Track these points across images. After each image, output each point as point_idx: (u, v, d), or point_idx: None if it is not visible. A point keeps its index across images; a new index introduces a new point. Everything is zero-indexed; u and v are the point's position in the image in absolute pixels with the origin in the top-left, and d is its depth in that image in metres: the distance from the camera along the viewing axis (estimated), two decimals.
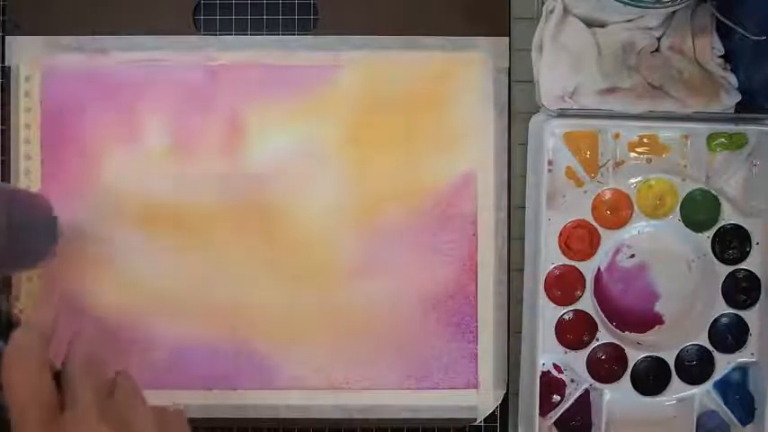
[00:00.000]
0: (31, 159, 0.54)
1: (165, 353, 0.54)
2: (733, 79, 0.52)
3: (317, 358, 0.54)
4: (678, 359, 0.52)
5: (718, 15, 0.50)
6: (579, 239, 0.52)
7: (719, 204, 0.52)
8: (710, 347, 0.52)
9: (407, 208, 0.54)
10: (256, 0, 0.55)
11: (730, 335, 0.53)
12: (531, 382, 0.52)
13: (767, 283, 0.52)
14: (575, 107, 0.52)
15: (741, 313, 0.52)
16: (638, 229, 0.53)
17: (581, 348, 0.52)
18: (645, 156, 0.54)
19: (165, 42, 0.54)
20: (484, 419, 0.55)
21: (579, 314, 0.52)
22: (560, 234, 0.52)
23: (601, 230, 0.52)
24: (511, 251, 0.55)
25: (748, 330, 0.52)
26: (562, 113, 0.51)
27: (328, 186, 0.54)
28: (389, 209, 0.54)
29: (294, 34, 0.55)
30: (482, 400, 0.55)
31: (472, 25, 0.54)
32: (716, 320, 0.53)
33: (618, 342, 0.52)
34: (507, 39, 0.54)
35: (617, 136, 0.53)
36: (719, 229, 0.52)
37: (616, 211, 0.52)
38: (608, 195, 0.52)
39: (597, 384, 0.52)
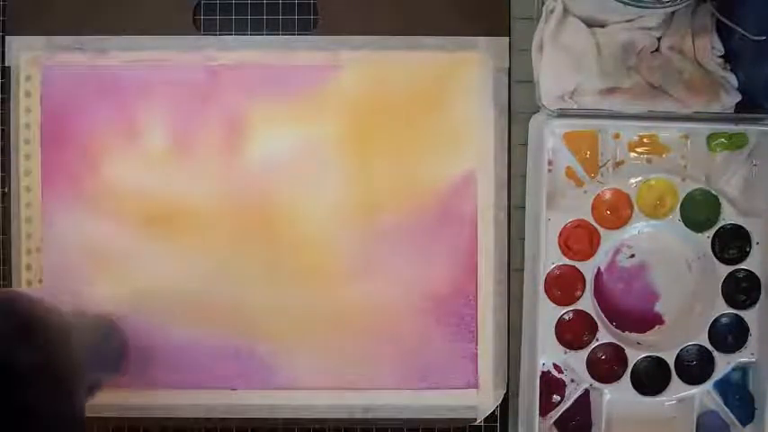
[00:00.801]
0: (30, 159, 0.54)
1: (165, 352, 0.54)
2: (733, 79, 0.52)
3: (316, 358, 0.54)
4: (678, 359, 0.52)
5: (718, 15, 0.50)
6: (579, 239, 0.52)
7: (719, 204, 0.52)
8: (710, 347, 0.52)
9: (407, 208, 0.54)
10: (256, 0, 0.55)
11: (730, 335, 0.53)
12: (531, 382, 0.52)
13: (767, 283, 0.52)
14: (575, 107, 0.52)
15: (741, 313, 0.52)
16: (638, 229, 0.53)
17: (581, 348, 0.52)
18: (645, 156, 0.54)
19: (166, 42, 0.54)
20: (484, 419, 0.55)
21: (579, 314, 0.52)
22: (560, 234, 0.52)
23: (601, 230, 0.52)
24: (511, 251, 0.55)
25: (748, 330, 0.52)
26: (562, 113, 0.51)
27: (328, 186, 0.54)
28: (389, 209, 0.54)
29: (294, 34, 0.55)
30: (482, 400, 0.55)
31: (472, 25, 0.54)
32: (716, 320, 0.53)
33: (618, 342, 0.52)
34: (507, 39, 0.54)
35: (617, 136, 0.53)
36: (719, 229, 0.52)
37: (616, 211, 0.52)
38: (608, 195, 0.52)
39: (597, 384, 0.52)
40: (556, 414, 0.53)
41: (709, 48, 0.52)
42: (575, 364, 0.52)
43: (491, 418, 0.55)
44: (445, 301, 0.54)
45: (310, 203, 0.54)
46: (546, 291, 0.52)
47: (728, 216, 0.52)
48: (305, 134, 0.54)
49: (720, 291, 0.52)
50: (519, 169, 0.55)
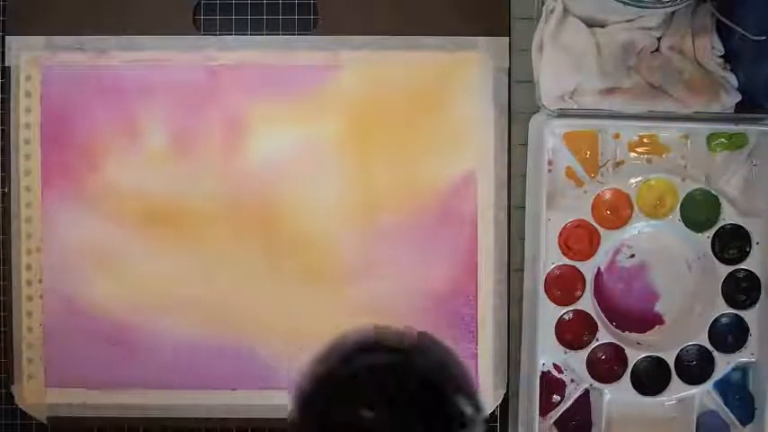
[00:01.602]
0: (30, 159, 0.54)
1: (166, 353, 0.54)
2: (733, 79, 0.52)
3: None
4: (678, 359, 0.52)
5: (719, 15, 0.50)
6: (579, 239, 0.52)
7: (719, 204, 0.52)
8: (710, 347, 0.52)
9: (407, 208, 0.54)
10: (256, 0, 0.55)
11: (730, 335, 0.53)
12: (531, 382, 0.52)
13: (767, 283, 0.52)
14: (575, 107, 0.52)
15: (741, 313, 0.52)
16: (638, 229, 0.53)
17: (581, 348, 0.52)
18: (645, 156, 0.54)
19: (166, 42, 0.54)
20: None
21: (579, 314, 0.52)
22: (560, 234, 0.52)
23: (601, 230, 0.52)
24: (511, 251, 0.55)
25: (748, 330, 0.52)
26: (562, 113, 0.51)
27: (328, 186, 0.54)
28: (389, 208, 0.54)
29: (294, 34, 0.55)
30: (482, 400, 0.54)
31: (472, 25, 0.54)
32: (716, 320, 0.53)
33: (618, 342, 0.52)
34: (507, 39, 0.54)
35: (617, 136, 0.53)
36: (719, 229, 0.52)
37: (616, 211, 0.52)
38: (608, 195, 0.52)
39: (597, 384, 0.52)
40: (556, 414, 0.53)
41: (710, 48, 0.52)
42: (575, 364, 0.52)
43: (491, 418, 0.55)
44: (445, 301, 0.54)
45: (310, 203, 0.54)
46: (546, 291, 0.52)
47: (728, 216, 0.52)
48: (305, 134, 0.54)
49: (720, 291, 0.52)
50: (519, 169, 0.55)
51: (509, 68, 0.54)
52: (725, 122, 0.52)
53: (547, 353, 0.52)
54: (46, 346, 0.54)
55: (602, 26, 0.52)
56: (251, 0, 0.55)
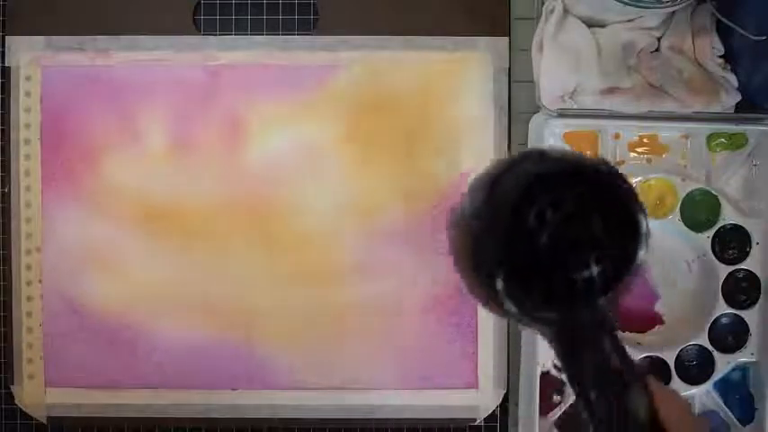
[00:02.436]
0: (30, 159, 0.54)
1: (165, 353, 0.54)
2: (733, 79, 0.52)
3: (316, 358, 0.54)
4: (678, 359, 0.52)
5: (718, 15, 0.50)
6: None
7: (719, 204, 0.52)
8: (710, 347, 0.52)
9: (407, 208, 0.54)
10: (256, 0, 0.55)
11: (730, 335, 0.53)
12: (531, 382, 0.52)
13: (767, 283, 0.52)
14: (575, 107, 0.52)
15: (741, 313, 0.52)
16: None
17: None
18: (645, 156, 0.54)
19: (166, 42, 0.54)
20: (484, 419, 0.55)
21: None
22: None
23: None
24: None
25: (748, 330, 0.52)
26: (562, 113, 0.51)
27: (328, 186, 0.54)
28: (389, 209, 0.54)
29: (294, 34, 0.55)
30: (482, 400, 0.55)
31: (472, 25, 0.54)
32: (716, 320, 0.52)
33: None
34: (507, 39, 0.54)
35: (617, 136, 0.53)
36: (719, 229, 0.52)
37: None
38: None
39: None
40: (556, 414, 0.53)
41: (710, 48, 0.52)
42: None
43: (491, 418, 0.55)
44: (445, 301, 0.54)
45: (310, 203, 0.54)
46: None
47: (728, 216, 0.52)
48: (305, 134, 0.54)
49: (720, 291, 0.52)
50: None
51: (509, 68, 0.54)
52: (725, 122, 0.52)
53: (547, 353, 0.52)
54: (46, 346, 0.54)
55: (602, 26, 0.52)
56: (251, 0, 0.55)
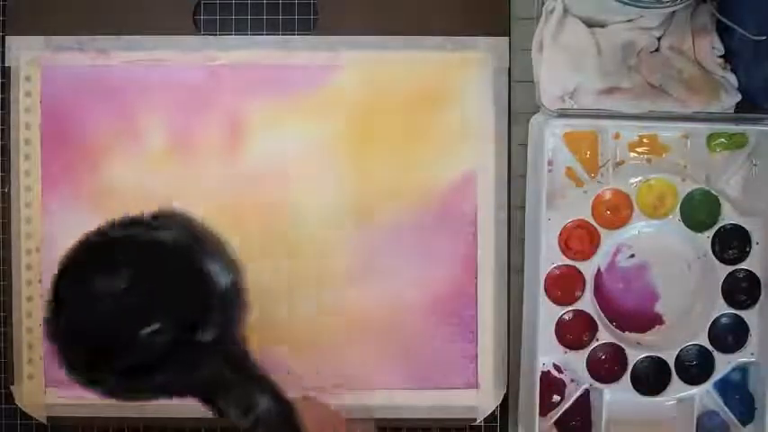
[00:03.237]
0: (30, 159, 0.54)
1: None
2: (733, 79, 0.52)
3: (316, 358, 0.54)
4: (678, 359, 0.52)
5: (718, 15, 0.50)
6: (579, 239, 0.52)
7: (719, 204, 0.52)
8: (710, 347, 0.52)
9: (407, 208, 0.54)
10: (256, 0, 0.55)
11: (730, 335, 0.53)
12: (531, 382, 0.52)
13: (767, 283, 0.52)
14: (575, 107, 0.52)
15: (741, 313, 0.52)
16: (638, 229, 0.53)
17: (581, 348, 0.52)
18: (645, 156, 0.54)
19: (165, 42, 0.54)
20: (484, 419, 0.55)
21: (579, 314, 0.52)
22: (560, 234, 0.52)
23: (601, 230, 0.52)
24: (511, 251, 0.55)
25: (748, 330, 0.52)
26: (562, 113, 0.51)
27: (328, 186, 0.54)
28: (389, 209, 0.54)
29: (294, 34, 0.55)
30: (482, 400, 0.55)
31: (472, 25, 0.54)
32: (716, 320, 0.53)
33: (618, 342, 0.52)
34: (507, 39, 0.54)
35: (617, 136, 0.53)
36: (719, 229, 0.52)
37: (616, 211, 0.52)
38: (608, 195, 0.52)
39: (597, 384, 0.52)
40: (556, 414, 0.53)
41: (710, 48, 0.52)
42: (575, 364, 0.52)
43: (491, 418, 0.55)
44: (445, 301, 0.54)
45: (310, 203, 0.54)
46: (546, 291, 0.52)
47: (728, 216, 0.52)
48: (305, 134, 0.54)
49: (720, 291, 0.52)
50: (519, 169, 0.55)
51: (509, 68, 0.54)
52: (725, 122, 0.52)
53: (547, 353, 0.52)
54: (46, 346, 0.54)
55: (602, 26, 0.52)
56: (251, 0, 0.55)
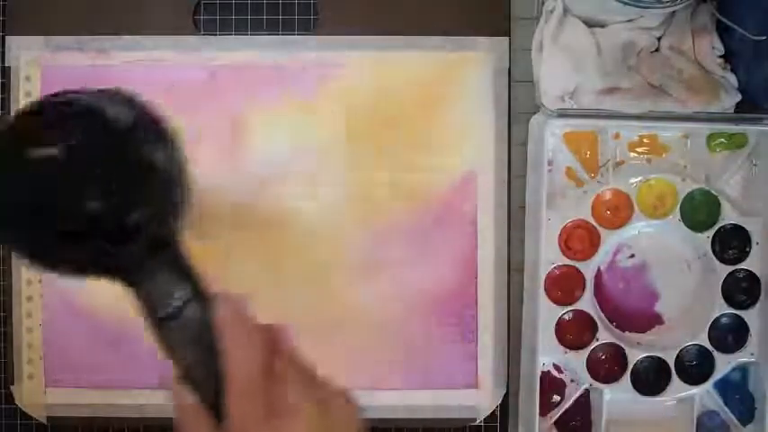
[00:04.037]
0: None
1: None
2: (733, 79, 0.52)
3: (316, 358, 0.54)
4: (678, 359, 0.52)
5: (718, 15, 0.50)
6: (579, 239, 0.52)
7: (719, 204, 0.52)
8: (710, 347, 0.52)
9: (407, 208, 0.54)
10: (256, 0, 0.55)
11: (730, 335, 0.53)
12: (531, 383, 0.52)
13: (767, 283, 0.52)
14: (575, 107, 0.52)
15: (741, 313, 0.52)
16: (638, 229, 0.53)
17: (581, 348, 0.52)
18: (645, 156, 0.54)
19: (165, 42, 0.54)
20: (484, 419, 0.55)
21: (579, 314, 0.52)
22: (560, 234, 0.52)
23: (601, 230, 0.52)
24: (511, 251, 0.55)
25: (748, 330, 0.52)
26: (562, 113, 0.51)
27: (328, 186, 0.54)
28: (389, 209, 0.54)
29: (294, 34, 0.55)
30: (482, 400, 0.55)
31: (472, 25, 0.54)
32: (716, 320, 0.53)
33: (618, 342, 0.52)
34: (507, 39, 0.54)
35: (617, 136, 0.53)
36: (719, 229, 0.52)
37: (616, 211, 0.52)
38: (608, 195, 0.52)
39: (597, 384, 0.52)
40: (556, 414, 0.53)
41: (710, 48, 0.52)
42: (575, 364, 0.52)
43: (491, 418, 0.55)
44: (445, 301, 0.54)
45: (310, 203, 0.54)
46: (546, 291, 0.52)
47: (728, 216, 0.52)
48: (305, 134, 0.54)
49: (720, 291, 0.52)
50: (519, 169, 0.55)
51: (509, 68, 0.54)
52: (725, 122, 0.52)
53: (547, 353, 0.52)
54: (46, 346, 0.54)
55: (602, 26, 0.52)
56: (251, 0, 0.55)
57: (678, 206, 0.52)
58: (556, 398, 0.53)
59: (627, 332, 0.54)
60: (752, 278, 0.52)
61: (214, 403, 0.31)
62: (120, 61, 0.54)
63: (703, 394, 0.53)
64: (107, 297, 0.54)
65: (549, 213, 0.51)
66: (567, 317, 0.52)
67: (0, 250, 0.54)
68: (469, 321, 0.54)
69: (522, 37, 0.54)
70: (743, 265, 0.52)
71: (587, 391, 0.53)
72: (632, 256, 0.54)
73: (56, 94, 0.33)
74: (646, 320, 0.54)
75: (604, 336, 0.52)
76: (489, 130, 0.54)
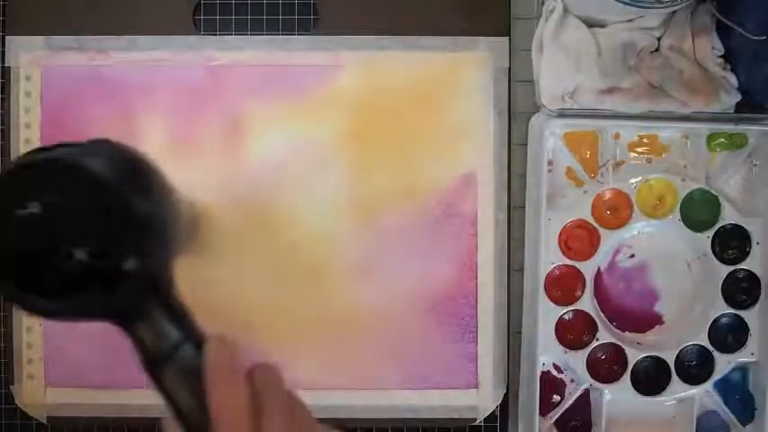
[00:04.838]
0: None
1: None
2: (733, 79, 0.52)
3: (316, 358, 0.54)
4: (678, 359, 0.52)
5: (718, 15, 0.50)
6: (579, 239, 0.52)
7: (719, 204, 0.52)
8: (710, 347, 0.52)
9: (407, 208, 0.54)
10: (256, 0, 0.55)
11: (730, 335, 0.53)
12: (531, 382, 0.52)
13: (767, 283, 0.52)
14: (575, 107, 0.52)
15: (741, 313, 0.52)
16: (638, 229, 0.53)
17: (581, 348, 0.52)
18: (645, 156, 0.54)
19: (165, 42, 0.54)
20: (484, 419, 0.55)
21: (579, 314, 0.52)
22: (560, 234, 0.52)
23: (601, 230, 0.52)
24: (511, 251, 0.55)
25: (748, 330, 0.52)
26: (562, 113, 0.51)
27: (328, 186, 0.54)
28: (389, 209, 0.54)
29: (294, 34, 0.55)
30: (482, 400, 0.55)
31: (472, 25, 0.54)
32: (716, 320, 0.53)
33: (618, 342, 0.52)
34: (507, 39, 0.54)
35: (617, 136, 0.53)
36: (719, 229, 0.52)
37: (616, 211, 0.52)
38: (608, 195, 0.52)
39: (597, 384, 0.52)
40: (556, 414, 0.53)
41: (710, 48, 0.52)
42: (575, 364, 0.52)
43: (491, 418, 0.55)
44: (445, 301, 0.54)
45: (310, 203, 0.54)
46: (546, 291, 0.52)
47: (728, 216, 0.52)
48: (305, 134, 0.54)
49: (720, 291, 0.52)
50: (519, 169, 0.55)
51: (509, 68, 0.54)
52: (725, 122, 0.52)
53: (547, 353, 0.52)
54: (46, 346, 0.54)
55: (602, 26, 0.52)
56: (251, 0, 0.55)
57: (678, 206, 0.52)
58: (556, 398, 0.54)
59: (627, 332, 0.54)
60: (752, 278, 0.52)
61: None
62: (120, 61, 0.54)
63: (703, 394, 0.53)
64: None
65: (549, 213, 0.52)
66: (567, 317, 0.52)
67: None
68: (469, 321, 0.54)
69: (522, 37, 0.54)
70: (743, 265, 0.52)
71: (587, 391, 0.53)
72: (632, 256, 0.54)
73: (42, 149, 0.34)
74: (646, 320, 0.54)
75: (604, 336, 0.52)
76: (489, 130, 0.54)
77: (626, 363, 0.52)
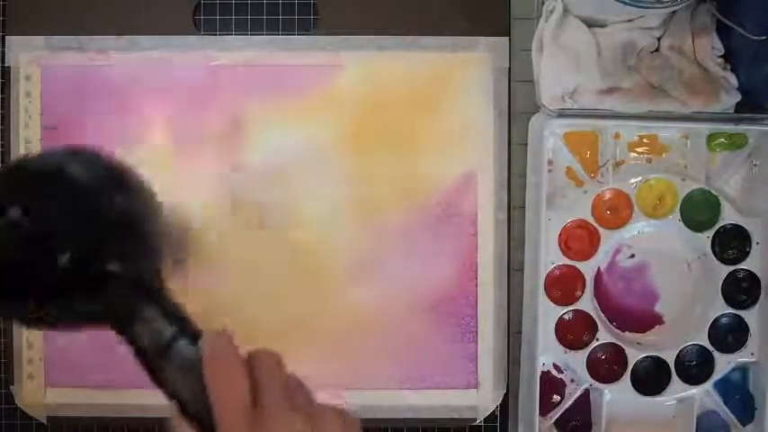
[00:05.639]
0: None
1: None
2: (733, 79, 0.52)
3: (316, 358, 0.54)
4: (678, 359, 0.52)
5: (718, 15, 0.50)
6: (579, 239, 0.52)
7: (719, 204, 0.52)
8: (710, 347, 0.52)
9: (407, 208, 0.54)
10: (256, 0, 0.55)
11: (730, 335, 0.53)
12: (531, 382, 0.52)
13: (767, 283, 0.52)
14: (575, 107, 0.52)
15: (741, 313, 0.52)
16: (638, 229, 0.53)
17: (581, 348, 0.52)
18: (645, 156, 0.54)
19: (165, 42, 0.54)
20: (484, 419, 0.55)
21: (579, 314, 0.52)
22: (560, 234, 0.52)
23: (601, 230, 0.52)
24: (511, 251, 0.55)
25: (748, 330, 0.52)
26: (562, 113, 0.51)
27: (328, 186, 0.54)
28: (389, 209, 0.54)
29: (294, 34, 0.55)
30: (482, 400, 0.55)
31: (472, 25, 0.54)
32: (716, 320, 0.53)
33: (618, 342, 0.52)
34: (507, 39, 0.54)
35: (617, 136, 0.53)
36: (719, 229, 0.52)
37: (616, 211, 0.52)
38: (608, 195, 0.52)
39: (597, 384, 0.52)
40: (556, 414, 0.53)
41: (710, 48, 0.52)
42: (575, 364, 0.52)
43: (491, 418, 0.55)
44: (445, 301, 0.54)
45: (310, 203, 0.54)
46: (546, 291, 0.52)
47: (728, 216, 0.52)
48: (305, 134, 0.54)
49: (720, 291, 0.52)
50: (519, 169, 0.55)
51: (509, 68, 0.54)
52: (725, 122, 0.52)
53: (547, 353, 0.52)
54: (46, 346, 0.54)
55: (602, 26, 0.52)
56: (251, 0, 0.55)
57: (678, 206, 0.52)
58: (556, 398, 0.53)
59: (627, 332, 0.54)
60: (752, 278, 0.52)
61: None
62: (120, 61, 0.54)
63: (703, 394, 0.53)
64: None
65: (549, 213, 0.51)
66: (567, 317, 0.52)
67: None
68: (469, 321, 0.54)
69: (522, 37, 0.54)
70: (743, 265, 0.52)
71: (587, 391, 0.53)
72: (632, 256, 0.54)
73: (23, 157, 0.35)
74: (646, 320, 0.54)
75: (604, 336, 0.52)
76: (489, 130, 0.54)
77: (626, 363, 0.52)
